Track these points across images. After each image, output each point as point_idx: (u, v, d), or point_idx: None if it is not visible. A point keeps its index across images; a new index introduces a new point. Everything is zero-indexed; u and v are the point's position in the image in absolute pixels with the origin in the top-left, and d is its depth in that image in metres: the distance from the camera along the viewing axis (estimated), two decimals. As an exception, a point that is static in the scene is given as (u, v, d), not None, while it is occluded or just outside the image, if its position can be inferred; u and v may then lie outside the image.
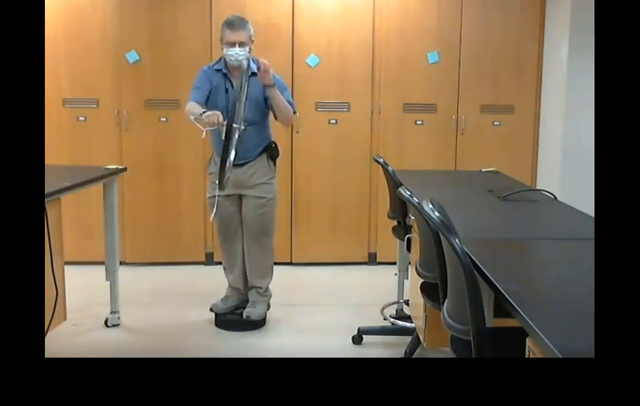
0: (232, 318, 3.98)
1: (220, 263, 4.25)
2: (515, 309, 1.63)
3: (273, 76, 3.66)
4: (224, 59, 3.72)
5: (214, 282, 4.40)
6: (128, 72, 5.10)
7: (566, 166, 4.97)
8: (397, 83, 5.26)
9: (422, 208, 2.00)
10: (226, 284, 4.09)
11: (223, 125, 3.34)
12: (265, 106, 3.77)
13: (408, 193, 2.52)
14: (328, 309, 4.45)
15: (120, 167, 4.06)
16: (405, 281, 3.93)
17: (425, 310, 2.75)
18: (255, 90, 3.64)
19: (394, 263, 4.20)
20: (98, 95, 5.15)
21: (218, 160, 3.48)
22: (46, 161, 1.80)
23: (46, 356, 1.49)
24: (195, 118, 3.43)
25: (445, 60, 5.25)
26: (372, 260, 5.45)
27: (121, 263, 4.33)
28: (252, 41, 3.74)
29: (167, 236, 5.29)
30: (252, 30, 3.74)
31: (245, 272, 3.97)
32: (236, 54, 3.61)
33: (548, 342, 1.40)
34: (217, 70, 3.77)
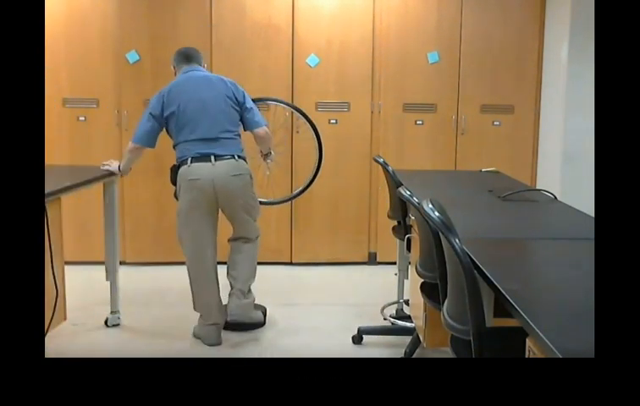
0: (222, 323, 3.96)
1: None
2: (515, 309, 1.63)
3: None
4: None
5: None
6: (128, 72, 5.11)
7: (566, 166, 4.97)
8: (397, 83, 5.26)
9: (422, 208, 2.00)
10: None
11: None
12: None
13: (408, 193, 2.52)
14: (328, 309, 4.45)
15: (120, 166, 4.06)
16: (405, 281, 3.93)
17: (425, 310, 2.75)
18: None
19: (394, 263, 4.20)
20: (98, 95, 5.15)
21: None
22: (47, 161, 1.81)
23: (46, 356, 1.49)
24: None
25: (445, 60, 5.25)
26: (372, 260, 5.45)
27: (121, 263, 4.33)
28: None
29: (167, 236, 5.28)
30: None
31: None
32: None
33: (548, 342, 1.40)
34: None
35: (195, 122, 3.60)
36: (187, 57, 3.82)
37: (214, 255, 3.77)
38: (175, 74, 3.83)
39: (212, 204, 3.65)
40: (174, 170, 3.67)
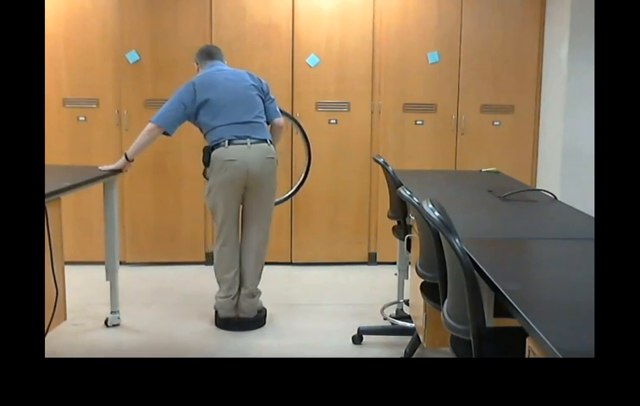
0: (232, 318, 3.98)
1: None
2: (515, 309, 1.63)
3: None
4: None
5: (214, 282, 4.40)
6: (128, 72, 5.11)
7: (566, 166, 4.97)
8: (397, 83, 5.26)
9: (422, 208, 2.00)
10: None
11: None
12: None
13: (408, 193, 2.52)
14: (328, 309, 4.45)
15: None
16: (405, 281, 3.93)
17: (425, 310, 2.75)
18: None
19: (394, 263, 4.20)
20: (98, 95, 5.15)
21: None
22: (47, 161, 1.81)
23: (46, 356, 1.49)
24: None
25: (445, 60, 5.25)
26: (372, 260, 5.45)
27: (121, 263, 4.33)
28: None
29: (167, 236, 5.29)
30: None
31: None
32: None
33: (548, 342, 1.39)
34: None
35: (229, 108, 3.78)
36: (210, 54, 4.04)
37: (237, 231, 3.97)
38: (198, 70, 4.00)
39: (241, 186, 3.82)
40: (208, 151, 3.81)
